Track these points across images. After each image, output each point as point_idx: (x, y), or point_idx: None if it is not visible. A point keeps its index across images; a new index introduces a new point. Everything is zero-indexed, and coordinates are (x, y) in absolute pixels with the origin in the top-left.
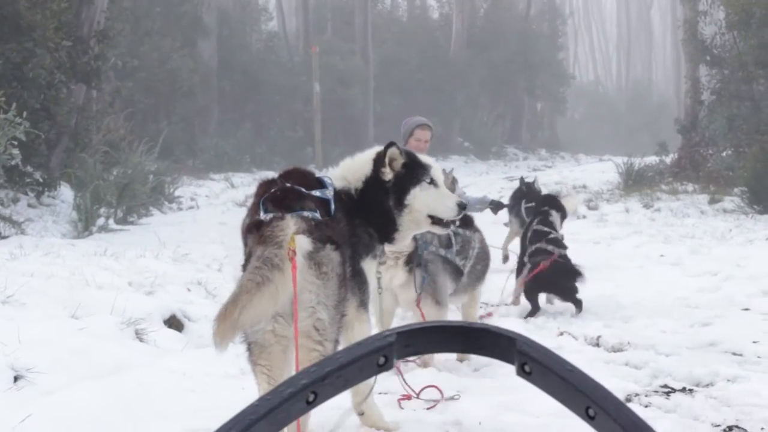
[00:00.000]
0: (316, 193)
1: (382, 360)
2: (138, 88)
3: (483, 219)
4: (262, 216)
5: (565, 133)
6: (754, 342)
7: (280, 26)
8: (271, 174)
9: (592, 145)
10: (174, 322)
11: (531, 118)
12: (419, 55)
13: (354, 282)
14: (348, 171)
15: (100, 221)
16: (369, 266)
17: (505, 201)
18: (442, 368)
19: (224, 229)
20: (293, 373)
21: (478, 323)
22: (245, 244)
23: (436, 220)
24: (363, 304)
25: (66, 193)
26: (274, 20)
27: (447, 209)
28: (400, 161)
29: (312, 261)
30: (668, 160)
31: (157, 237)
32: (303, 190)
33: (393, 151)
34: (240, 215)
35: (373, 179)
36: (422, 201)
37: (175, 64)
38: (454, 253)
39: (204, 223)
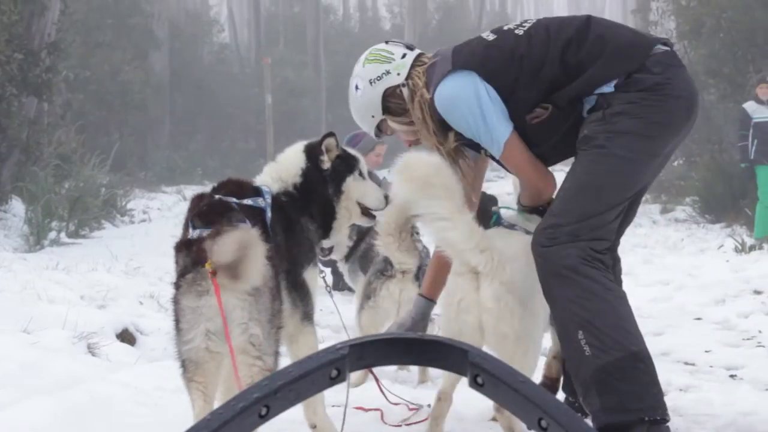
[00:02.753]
0: (248, 201)
1: (334, 373)
2: (89, 101)
3: None
4: (191, 234)
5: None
6: (706, 351)
7: (231, 38)
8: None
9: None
10: (126, 336)
11: None
12: None
13: (296, 294)
14: (280, 171)
15: (52, 235)
16: (311, 276)
17: None
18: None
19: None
20: (227, 389)
21: (429, 335)
22: (176, 262)
23: (365, 211)
24: (307, 316)
25: (17, 206)
26: (225, 32)
27: (376, 200)
28: (335, 152)
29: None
30: None
31: (110, 250)
32: (233, 200)
33: (330, 141)
34: None
35: (311, 169)
36: (356, 189)
37: (127, 77)
38: None
39: (156, 236)
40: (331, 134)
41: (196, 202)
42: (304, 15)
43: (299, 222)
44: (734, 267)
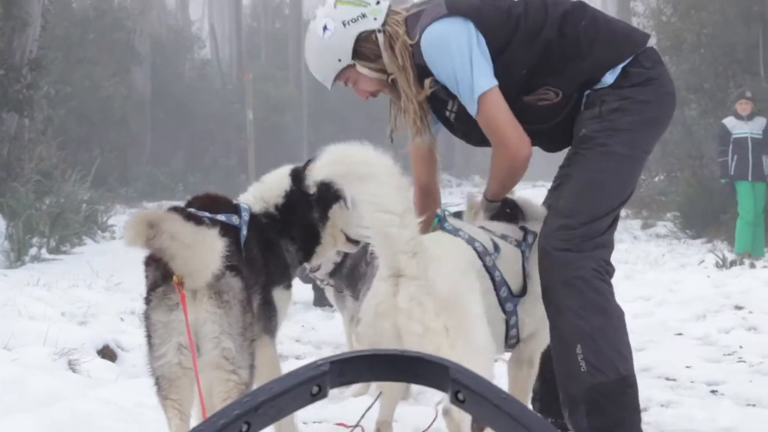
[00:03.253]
0: (221, 217)
1: (315, 389)
2: (71, 117)
3: None
4: None
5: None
6: (687, 367)
7: (213, 54)
8: None
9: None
10: (107, 352)
11: (463, 144)
12: None
13: (261, 310)
14: (263, 191)
15: (33, 251)
16: (280, 296)
17: None
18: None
19: None
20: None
21: (411, 351)
22: (145, 277)
23: (349, 238)
24: (268, 330)
25: None
26: (207, 48)
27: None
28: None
29: (211, 290)
30: None
31: (91, 266)
32: (205, 215)
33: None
34: None
35: (295, 192)
36: (341, 217)
37: (108, 92)
38: None
39: (137, 252)
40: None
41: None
42: (285, 31)
43: (278, 243)
44: (715, 282)
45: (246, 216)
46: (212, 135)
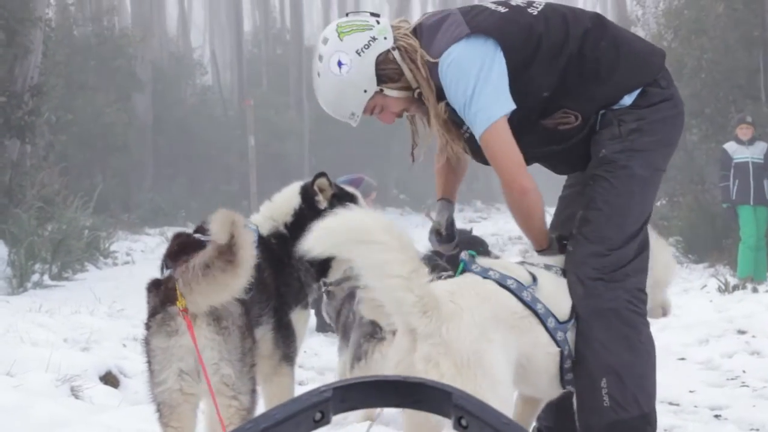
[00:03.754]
0: None
1: (318, 416)
2: (72, 143)
3: None
4: (163, 273)
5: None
6: (690, 391)
7: (214, 80)
8: None
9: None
10: (110, 378)
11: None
12: None
13: (279, 334)
14: (273, 211)
15: (35, 277)
16: (298, 317)
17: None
18: (380, 422)
19: None
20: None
21: (413, 377)
22: (147, 302)
23: None
24: (287, 358)
25: (0, 249)
26: (208, 74)
27: None
28: (329, 191)
29: (210, 317)
30: None
31: (93, 292)
32: (201, 238)
33: (322, 181)
34: None
35: (304, 209)
36: None
37: (110, 119)
38: None
39: (140, 278)
40: (322, 174)
41: (174, 240)
42: (286, 57)
43: (290, 263)
44: (718, 307)
45: (254, 235)
46: (214, 161)
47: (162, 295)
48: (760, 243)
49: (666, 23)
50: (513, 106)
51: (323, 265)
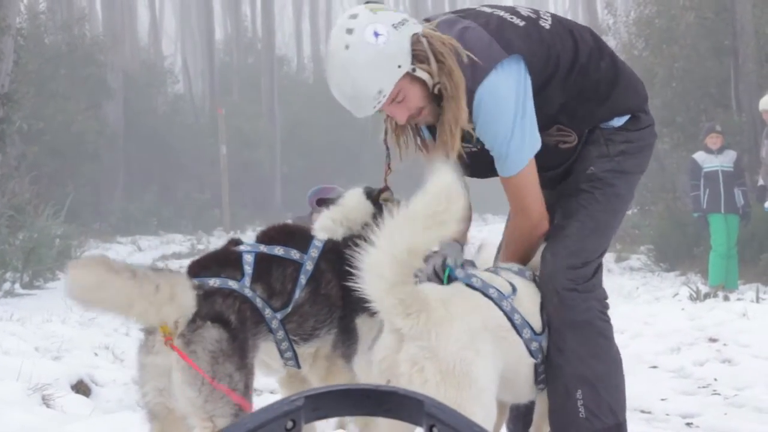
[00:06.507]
0: (278, 251)
1: (290, 424)
2: (43, 152)
3: None
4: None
5: (473, 193)
6: (662, 399)
7: (186, 88)
8: (179, 237)
9: (499, 204)
10: (81, 387)
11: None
12: (326, 117)
13: (339, 338)
14: (346, 213)
15: (6, 286)
16: (363, 323)
17: None
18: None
19: None
20: None
21: (385, 386)
22: None
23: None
24: (345, 357)
25: None
26: (180, 82)
27: None
28: (392, 200)
29: (180, 340)
30: None
31: (64, 301)
32: (240, 250)
33: (388, 195)
34: None
35: (377, 214)
36: None
37: (81, 127)
38: None
39: None
40: (386, 188)
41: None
42: (258, 65)
43: None
44: (689, 315)
45: (315, 251)
46: (185, 169)
47: None
48: (731, 251)
49: (637, 32)
50: (540, 144)
51: None
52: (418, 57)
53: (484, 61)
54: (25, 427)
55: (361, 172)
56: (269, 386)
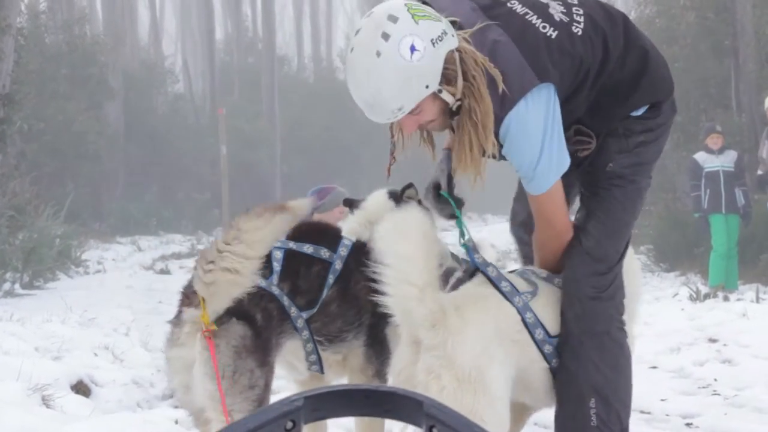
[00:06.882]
0: (307, 249)
1: (290, 425)
2: (44, 152)
3: None
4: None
5: (472, 193)
6: (662, 400)
7: (186, 88)
8: (179, 237)
9: (499, 204)
10: (81, 388)
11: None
12: (326, 117)
13: (372, 350)
14: (370, 217)
15: (6, 286)
16: (394, 333)
17: None
18: None
19: (131, 293)
20: None
21: (385, 386)
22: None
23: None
24: (378, 374)
25: None
26: (180, 82)
27: None
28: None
29: (207, 334)
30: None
31: (64, 301)
32: (291, 245)
33: (411, 192)
34: (147, 279)
35: None
36: None
37: (81, 127)
38: None
39: (111, 287)
40: (410, 185)
41: None
42: (258, 65)
43: None
44: (689, 315)
45: (344, 250)
46: (185, 169)
47: (179, 303)
48: (732, 251)
49: None
50: (568, 163)
51: None
52: (446, 77)
53: (516, 87)
54: (24, 427)
55: (361, 172)
56: (272, 387)
